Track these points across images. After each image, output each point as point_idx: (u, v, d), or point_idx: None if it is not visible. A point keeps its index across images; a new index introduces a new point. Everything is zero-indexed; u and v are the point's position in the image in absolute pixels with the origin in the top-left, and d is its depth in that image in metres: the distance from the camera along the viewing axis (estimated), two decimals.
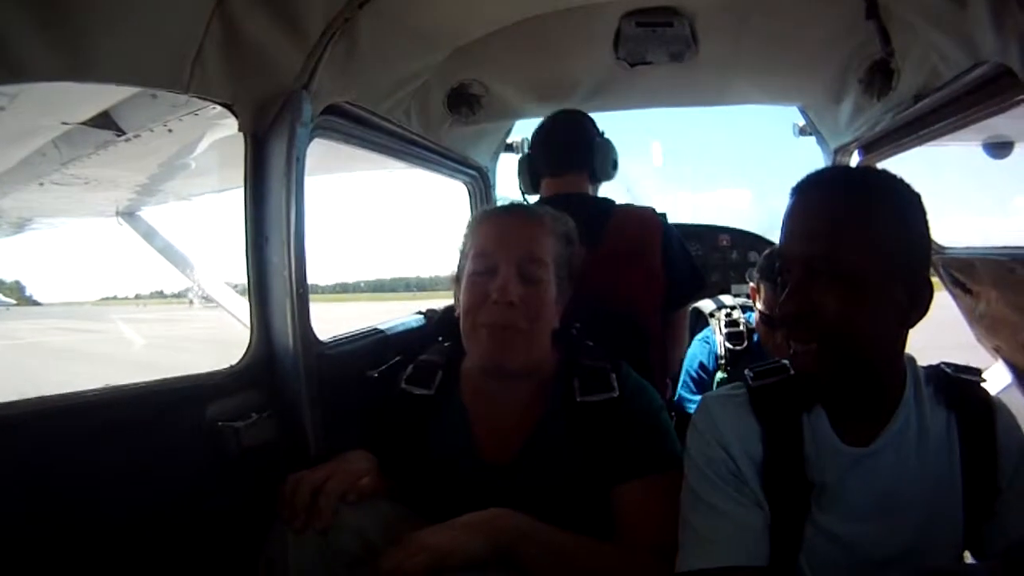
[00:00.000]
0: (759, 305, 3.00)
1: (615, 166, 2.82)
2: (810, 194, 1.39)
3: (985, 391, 1.50)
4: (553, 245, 1.87)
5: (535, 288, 1.81)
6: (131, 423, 1.58)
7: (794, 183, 1.42)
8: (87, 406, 1.53)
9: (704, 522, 1.44)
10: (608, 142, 2.79)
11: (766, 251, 3.01)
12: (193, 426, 1.73)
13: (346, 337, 2.41)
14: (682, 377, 3.27)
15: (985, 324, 2.90)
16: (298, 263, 1.91)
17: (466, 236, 1.94)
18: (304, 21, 1.87)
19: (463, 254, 1.92)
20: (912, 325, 1.37)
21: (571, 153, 2.74)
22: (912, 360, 1.46)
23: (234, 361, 1.93)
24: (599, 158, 2.74)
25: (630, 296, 2.46)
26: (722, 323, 3.33)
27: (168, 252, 4.92)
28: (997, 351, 3.01)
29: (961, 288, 2.88)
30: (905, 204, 1.37)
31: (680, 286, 2.65)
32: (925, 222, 1.38)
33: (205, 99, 1.84)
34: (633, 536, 1.69)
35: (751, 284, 3.19)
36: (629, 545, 1.68)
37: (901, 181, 1.39)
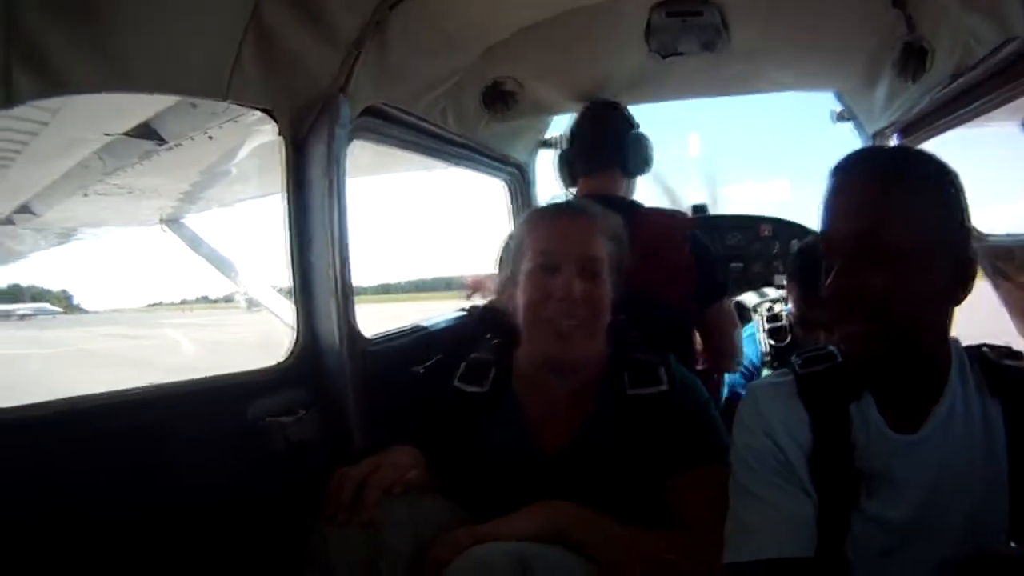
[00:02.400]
0: (791, 306, 2.96)
1: (649, 161, 2.82)
2: (853, 173, 1.37)
3: None
4: (606, 244, 1.90)
5: (595, 285, 1.83)
6: (179, 420, 1.63)
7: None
8: (136, 404, 1.58)
9: (751, 514, 1.42)
10: (642, 137, 2.79)
11: (797, 248, 2.95)
12: (239, 422, 1.77)
13: (390, 334, 2.44)
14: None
15: None
16: (342, 262, 1.94)
17: (518, 234, 1.95)
18: (338, 26, 1.90)
19: (517, 250, 1.93)
20: (958, 303, 1.36)
21: (603, 152, 2.75)
22: (956, 342, 1.43)
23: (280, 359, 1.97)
24: (632, 155, 2.75)
25: (660, 288, 2.45)
26: (764, 318, 3.29)
27: (213, 258, 4.98)
28: None
29: (1002, 276, 2.82)
30: (944, 181, 1.35)
31: (707, 285, 2.66)
32: (964, 199, 1.36)
33: (244, 106, 1.89)
34: (687, 525, 1.70)
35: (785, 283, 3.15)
36: (683, 533, 1.69)
37: (938, 160, 1.38)
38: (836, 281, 1.32)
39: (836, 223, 1.35)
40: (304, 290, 1.98)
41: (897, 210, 1.30)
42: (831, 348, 1.51)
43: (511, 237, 1.99)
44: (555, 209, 2.03)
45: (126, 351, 22.30)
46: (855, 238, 1.30)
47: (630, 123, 2.82)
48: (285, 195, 1.99)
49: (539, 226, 1.92)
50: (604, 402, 1.86)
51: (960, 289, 1.34)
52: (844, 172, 1.38)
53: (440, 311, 3.07)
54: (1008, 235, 2.77)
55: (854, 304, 1.31)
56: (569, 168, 2.85)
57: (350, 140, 2.04)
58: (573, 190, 2.83)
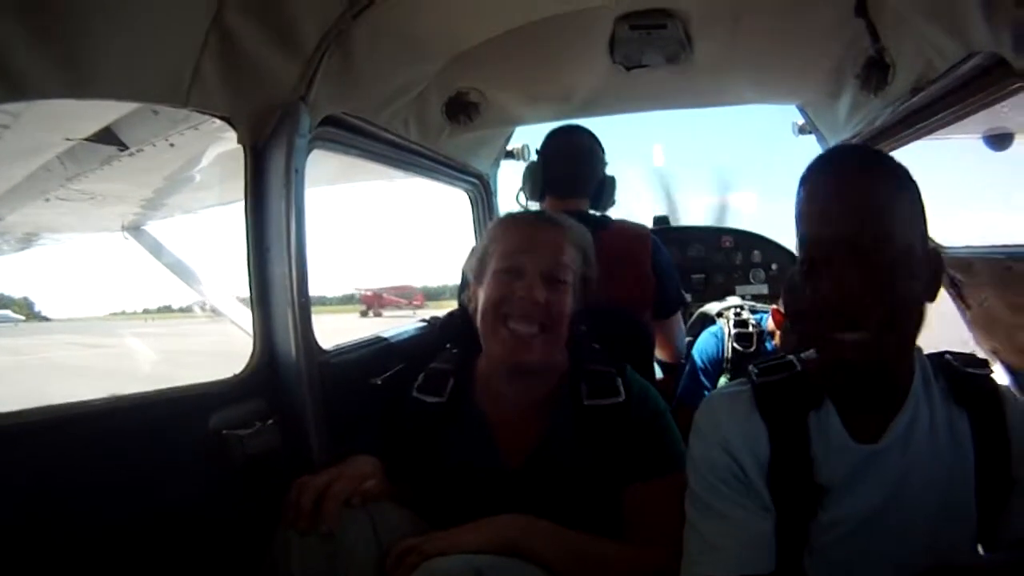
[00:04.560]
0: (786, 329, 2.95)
1: (614, 203, 2.93)
2: (838, 172, 1.33)
3: (993, 383, 1.45)
4: (574, 255, 1.91)
5: (558, 293, 1.84)
6: (135, 432, 1.60)
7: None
8: (92, 415, 1.55)
9: (710, 529, 1.41)
10: (614, 180, 2.90)
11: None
12: (197, 435, 1.74)
13: (349, 345, 2.42)
14: (692, 371, 3.24)
15: (982, 325, 2.88)
16: (299, 272, 1.92)
17: (486, 239, 1.97)
18: (299, 33, 1.88)
19: (485, 254, 1.94)
20: (932, 300, 1.34)
21: (581, 184, 2.84)
22: (919, 349, 1.43)
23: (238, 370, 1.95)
24: (605, 193, 2.87)
25: (623, 296, 2.51)
26: (731, 323, 3.28)
27: (175, 266, 4.92)
28: (995, 353, 2.97)
29: (959, 289, 2.86)
30: (910, 179, 1.34)
31: (667, 294, 2.76)
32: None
33: (204, 112, 1.86)
34: (642, 535, 1.71)
35: (774, 307, 3.15)
36: (639, 543, 1.70)
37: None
38: (830, 287, 1.28)
39: (824, 225, 1.30)
40: (262, 300, 1.96)
41: (894, 212, 1.28)
42: (790, 357, 1.49)
43: (479, 243, 1.99)
44: (525, 216, 2.06)
45: (89, 360, 22.02)
46: (850, 239, 1.26)
47: (603, 159, 2.90)
48: (245, 203, 1.97)
49: (507, 232, 1.93)
50: (562, 414, 1.86)
51: (933, 287, 1.33)
52: (826, 172, 1.36)
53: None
54: (966, 247, 2.80)
55: (850, 311, 1.27)
56: (541, 184, 2.89)
57: (310, 149, 2.03)
58: (536, 205, 2.88)
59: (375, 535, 1.63)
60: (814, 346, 1.41)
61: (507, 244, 1.88)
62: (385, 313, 43.10)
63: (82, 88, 1.48)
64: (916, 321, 1.33)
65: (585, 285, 1.95)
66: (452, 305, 2.65)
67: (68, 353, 24.60)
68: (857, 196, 1.29)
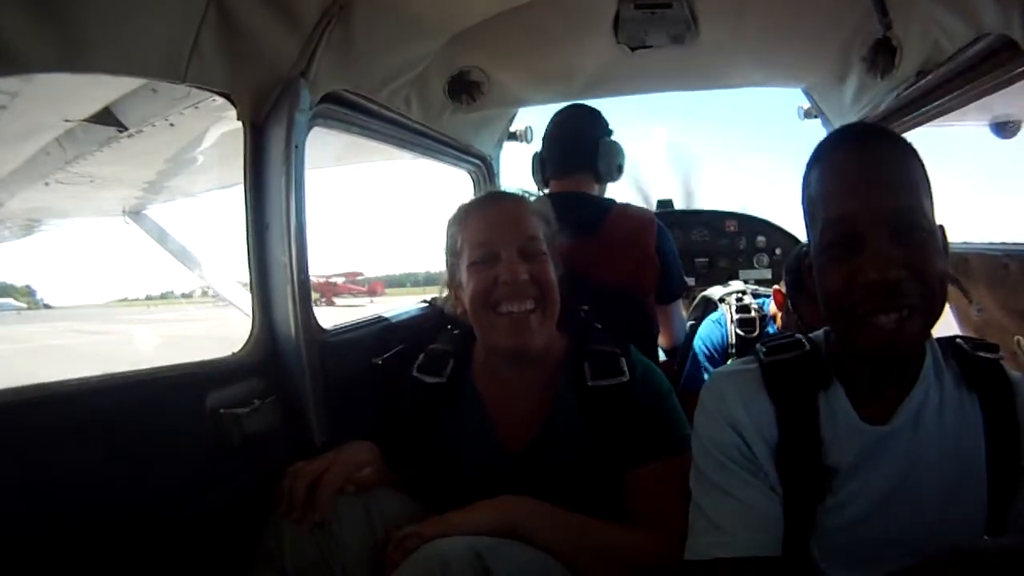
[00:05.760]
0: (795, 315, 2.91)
1: (620, 169, 2.87)
2: (870, 146, 1.29)
3: (1004, 369, 1.41)
4: (539, 223, 1.89)
5: (538, 264, 1.82)
6: (131, 410, 1.57)
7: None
8: (86, 392, 1.52)
9: (717, 508, 1.38)
10: (615, 144, 2.82)
11: (798, 251, 2.89)
12: (195, 413, 1.72)
13: (349, 325, 2.40)
14: (695, 359, 3.23)
15: (975, 326, 2.85)
16: (299, 251, 1.91)
17: (452, 233, 1.94)
18: (300, 8, 1.87)
19: (454, 252, 1.92)
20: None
21: (576, 155, 2.79)
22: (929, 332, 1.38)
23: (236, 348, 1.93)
24: (604, 160, 2.79)
25: (626, 279, 2.52)
26: (733, 308, 3.27)
27: (178, 251, 4.91)
28: None
29: (955, 285, 2.83)
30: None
31: (670, 281, 2.74)
32: None
33: (202, 88, 1.84)
34: (647, 518, 1.69)
35: (775, 287, 3.13)
36: (643, 526, 1.68)
37: None
38: (869, 268, 1.22)
39: (857, 201, 1.25)
40: (261, 279, 1.95)
41: (915, 181, 1.26)
42: (798, 336, 1.47)
43: (446, 238, 1.97)
44: (482, 200, 2.03)
45: (89, 347, 22.08)
46: (888, 215, 1.22)
47: (605, 128, 2.85)
48: (244, 181, 1.95)
49: (471, 220, 1.91)
50: (565, 395, 1.84)
51: (947, 263, 1.30)
52: (849, 147, 1.32)
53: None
54: (964, 243, 2.78)
55: (890, 292, 1.22)
56: (542, 170, 2.89)
57: (310, 127, 2.01)
58: (547, 191, 2.85)
59: (369, 523, 1.63)
60: (841, 333, 1.37)
61: (474, 234, 1.87)
62: (338, 302, 42.60)
63: (78, 62, 1.45)
64: (944, 300, 1.29)
65: (554, 248, 1.93)
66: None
67: (67, 341, 24.67)
68: (888, 169, 1.26)
